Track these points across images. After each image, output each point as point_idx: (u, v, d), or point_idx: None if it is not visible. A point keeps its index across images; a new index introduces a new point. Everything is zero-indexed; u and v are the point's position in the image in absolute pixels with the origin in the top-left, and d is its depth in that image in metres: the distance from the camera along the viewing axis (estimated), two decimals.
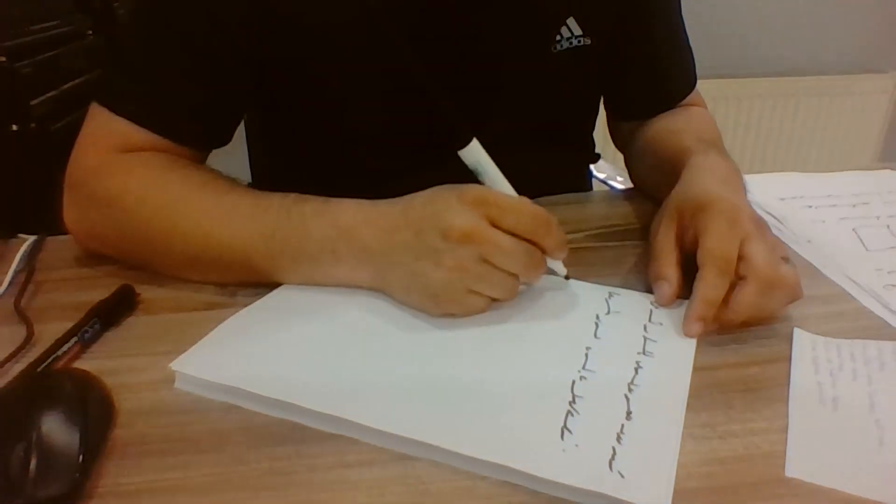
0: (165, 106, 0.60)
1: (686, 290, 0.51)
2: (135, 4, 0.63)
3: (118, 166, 0.58)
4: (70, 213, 0.59)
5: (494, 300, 0.51)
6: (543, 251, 0.50)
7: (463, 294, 0.49)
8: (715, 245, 0.50)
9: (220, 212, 0.54)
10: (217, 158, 0.66)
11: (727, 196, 0.53)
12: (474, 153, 0.51)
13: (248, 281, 0.54)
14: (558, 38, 0.68)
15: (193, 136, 0.62)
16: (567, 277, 0.54)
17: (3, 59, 1.22)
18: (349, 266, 0.52)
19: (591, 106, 0.80)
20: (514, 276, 0.50)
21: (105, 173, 0.58)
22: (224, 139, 0.66)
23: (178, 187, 0.56)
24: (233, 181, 0.58)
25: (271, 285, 0.54)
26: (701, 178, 0.57)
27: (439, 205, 0.49)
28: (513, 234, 0.48)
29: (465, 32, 0.65)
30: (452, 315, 0.50)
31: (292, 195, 0.55)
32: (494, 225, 0.48)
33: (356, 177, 0.71)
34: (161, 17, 0.60)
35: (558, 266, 0.54)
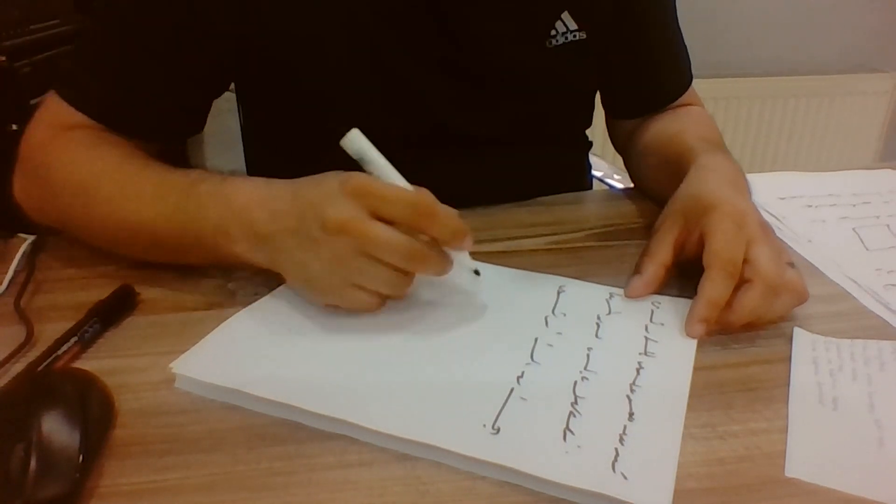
0: (105, 94, 0.61)
1: (690, 291, 0.51)
2: None
3: (55, 143, 0.60)
4: (17, 185, 0.62)
5: (387, 296, 0.49)
6: (438, 242, 0.48)
7: (343, 287, 0.48)
8: (721, 247, 0.50)
9: (129, 193, 0.55)
10: (215, 152, 0.66)
11: (734, 198, 0.53)
12: (356, 142, 0.48)
13: (166, 261, 0.56)
14: (553, 32, 0.68)
15: (129, 127, 0.62)
16: (477, 273, 0.52)
17: (3, 58, 1.22)
18: (243, 247, 0.51)
19: (586, 101, 0.79)
20: (401, 270, 0.48)
21: (44, 150, 0.60)
22: (177, 134, 0.66)
23: (98, 166, 0.57)
24: (149, 159, 0.58)
25: (271, 285, 0.54)
26: (707, 179, 0.57)
27: (322, 193, 0.47)
28: (397, 225, 0.46)
29: (458, 28, 0.65)
30: (337, 308, 0.50)
31: (195, 173, 0.55)
32: (376, 216, 0.46)
33: (343, 168, 0.71)
34: (122, 10, 0.61)
35: (463, 258, 0.51)
